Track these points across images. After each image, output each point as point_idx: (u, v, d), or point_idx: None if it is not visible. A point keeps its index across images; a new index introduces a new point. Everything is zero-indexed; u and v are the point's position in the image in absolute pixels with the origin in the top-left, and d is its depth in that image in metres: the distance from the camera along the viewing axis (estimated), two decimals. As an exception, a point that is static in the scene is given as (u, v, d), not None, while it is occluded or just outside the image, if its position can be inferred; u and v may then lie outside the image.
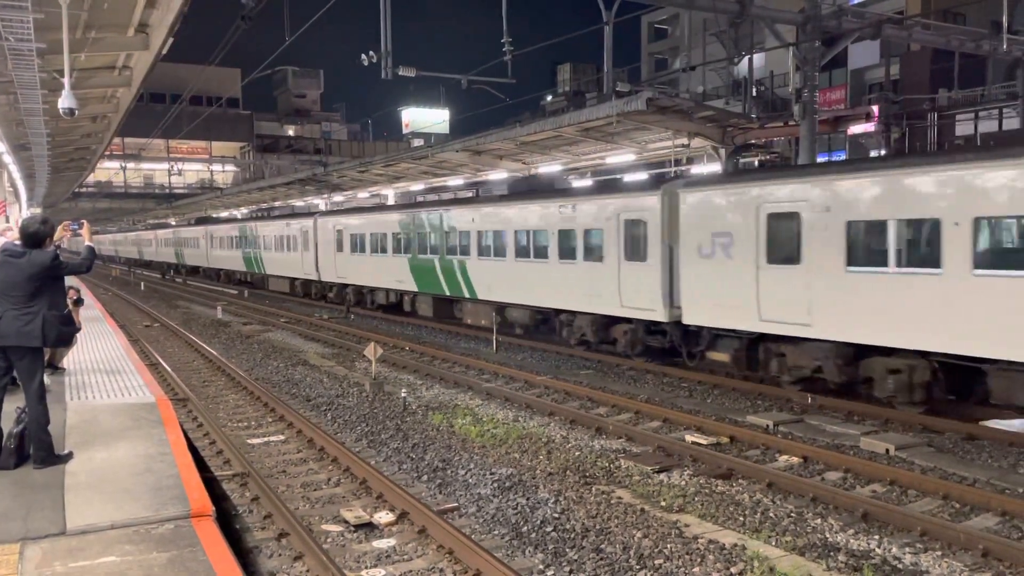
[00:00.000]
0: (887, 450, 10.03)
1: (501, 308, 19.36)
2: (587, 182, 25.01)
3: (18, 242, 6.83)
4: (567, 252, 16.76)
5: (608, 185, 21.46)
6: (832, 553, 7.15)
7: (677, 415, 11.91)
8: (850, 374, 11.88)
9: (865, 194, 11.27)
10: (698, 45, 42.26)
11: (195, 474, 6.42)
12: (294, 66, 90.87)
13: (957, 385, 11.03)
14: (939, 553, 7.12)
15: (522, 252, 18.18)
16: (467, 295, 20.40)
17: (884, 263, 11.00)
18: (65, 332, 6.79)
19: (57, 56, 12.96)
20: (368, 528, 7.76)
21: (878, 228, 11.18)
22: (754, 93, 31.85)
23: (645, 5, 22.60)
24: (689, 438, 10.77)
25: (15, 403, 6.82)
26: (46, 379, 7.30)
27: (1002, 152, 10.05)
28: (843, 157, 31.83)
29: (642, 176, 24.63)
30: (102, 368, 11.21)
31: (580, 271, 16.38)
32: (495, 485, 9.03)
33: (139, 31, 14.97)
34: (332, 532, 7.71)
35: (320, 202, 40.59)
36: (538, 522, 7.90)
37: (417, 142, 67.46)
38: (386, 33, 18.14)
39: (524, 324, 18.97)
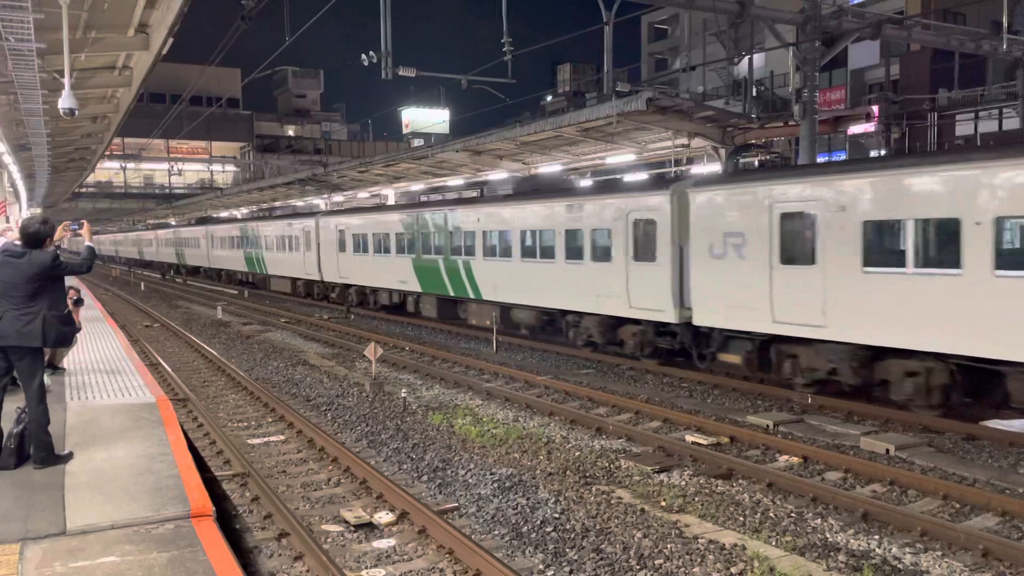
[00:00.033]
0: (887, 450, 10.03)
1: (506, 309, 19.21)
2: (594, 181, 24.88)
3: (18, 242, 6.83)
4: (574, 252, 16.52)
5: (616, 184, 21.29)
6: (832, 553, 7.15)
7: (677, 415, 11.91)
8: (865, 376, 11.68)
9: (882, 193, 11.04)
10: (698, 45, 42.28)
11: (195, 474, 6.42)
12: (294, 66, 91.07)
13: (975, 388, 10.76)
14: (939, 553, 7.12)
15: (528, 252, 18.00)
16: (472, 296, 20.22)
17: (902, 264, 10.77)
18: (65, 332, 6.79)
19: (57, 56, 12.97)
20: (368, 528, 7.77)
21: (896, 228, 10.97)
22: (754, 93, 31.84)
23: (645, 5, 22.62)
24: (689, 438, 10.77)
25: (15, 403, 6.83)
26: (46, 379, 7.31)
27: None
28: (843, 157, 31.85)
29: (645, 176, 24.65)
30: (102, 368, 11.21)
31: (587, 271, 16.16)
32: (495, 485, 9.03)
33: (139, 31, 14.98)
34: (332, 532, 7.72)
35: (320, 202, 40.60)
36: (538, 522, 7.90)
37: (417, 142, 67.45)
38: (386, 33, 18.14)
39: (530, 325, 18.79)
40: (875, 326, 11.10)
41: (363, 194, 38.63)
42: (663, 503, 8.46)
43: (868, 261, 11.17)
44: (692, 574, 6.76)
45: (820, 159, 22.96)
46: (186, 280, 49.16)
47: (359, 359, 17.47)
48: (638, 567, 6.88)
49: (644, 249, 14.81)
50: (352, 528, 7.75)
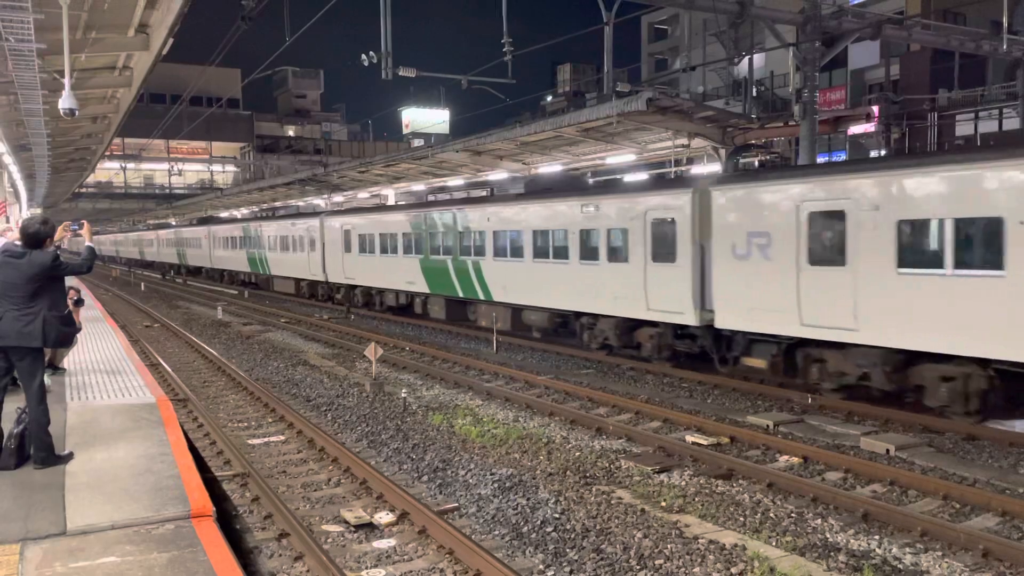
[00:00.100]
0: (887, 450, 10.03)
1: (517, 310, 18.89)
2: (610, 179, 24.65)
3: (18, 242, 6.84)
4: (589, 253, 16.14)
5: (634, 183, 20.96)
6: (832, 553, 7.15)
7: (677, 415, 11.91)
8: (899, 382, 11.29)
9: (919, 191, 10.61)
10: (698, 45, 42.30)
11: (195, 474, 6.42)
12: (294, 66, 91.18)
13: (1016, 394, 10.41)
14: (939, 553, 7.12)
15: (540, 253, 17.60)
16: (482, 297, 19.86)
17: (940, 265, 10.34)
18: (65, 332, 6.80)
19: (57, 56, 12.97)
20: (368, 528, 7.77)
21: (933, 227, 10.56)
22: (754, 93, 31.86)
23: (645, 5, 22.60)
24: (689, 438, 10.77)
25: (15, 403, 6.83)
26: (46, 379, 7.31)
27: None
28: (843, 157, 31.88)
29: (646, 174, 24.66)
30: (102, 368, 11.21)
31: (603, 272, 15.77)
32: (495, 485, 9.03)
33: (139, 31, 14.98)
34: (332, 532, 7.72)
35: (320, 202, 40.59)
36: (538, 522, 7.90)
37: (417, 142, 67.52)
38: (386, 33, 18.14)
39: (542, 327, 18.45)
40: (911, 329, 10.66)
41: (363, 194, 38.63)
42: (663, 503, 8.46)
43: (903, 262, 10.74)
44: (692, 574, 6.76)
45: (820, 159, 22.99)
46: (186, 280, 49.15)
47: (359, 359, 17.47)
48: (638, 567, 6.88)
49: (663, 249, 14.41)
50: (352, 528, 7.75)
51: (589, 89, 56.69)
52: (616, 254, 15.52)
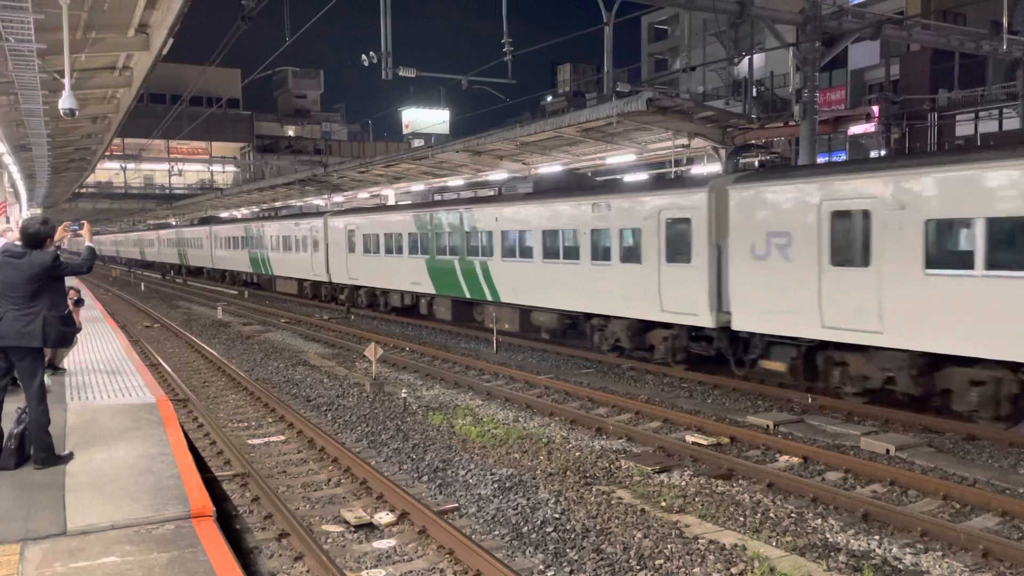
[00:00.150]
0: (887, 450, 10.03)
1: (526, 312, 18.69)
2: (623, 178, 24.49)
3: (18, 243, 6.84)
4: (600, 253, 15.86)
5: (647, 182, 20.71)
6: (832, 553, 7.15)
7: (677, 415, 11.91)
8: (926, 385, 11.00)
9: (948, 190, 10.28)
10: (698, 45, 42.32)
11: (195, 474, 6.42)
12: (294, 66, 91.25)
13: None
14: (939, 553, 7.13)
15: (550, 253, 17.26)
16: (489, 298, 19.61)
17: (970, 265, 9.98)
18: (65, 332, 6.80)
19: (57, 57, 12.97)
20: (368, 528, 7.77)
21: (963, 227, 10.22)
22: (754, 93, 31.87)
23: (645, 5, 22.60)
24: (689, 438, 10.77)
25: (15, 403, 6.84)
26: (46, 379, 7.31)
27: None
28: (843, 157, 31.89)
29: (640, 174, 24.66)
30: (102, 368, 11.21)
31: (615, 273, 15.49)
32: (495, 485, 9.03)
33: (139, 32, 14.98)
34: (332, 532, 7.72)
35: (321, 202, 40.59)
36: (538, 522, 7.90)
37: (417, 142, 67.54)
38: (386, 33, 18.14)
39: (551, 328, 18.23)
40: (939, 332, 10.34)
41: (363, 194, 38.63)
42: (663, 503, 8.46)
43: (931, 263, 10.42)
44: (692, 574, 6.76)
45: (820, 159, 22.99)
46: (186, 280, 49.15)
47: (359, 359, 17.47)
48: (638, 567, 6.88)
49: (678, 249, 14.12)
50: (352, 528, 7.75)
51: (589, 89, 56.72)
52: (629, 254, 15.25)
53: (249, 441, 11.18)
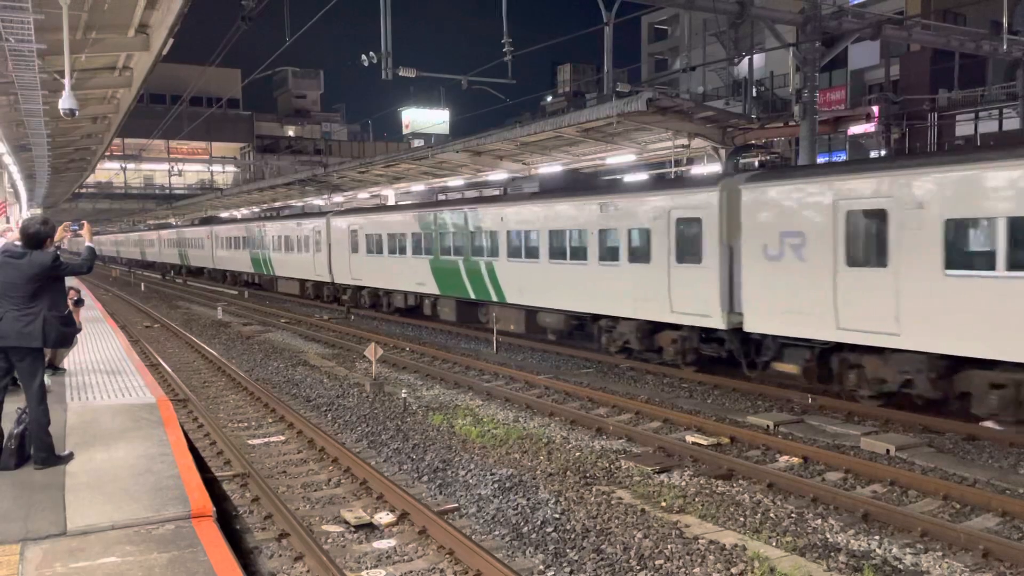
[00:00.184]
0: (887, 450, 10.03)
1: (532, 313, 18.51)
2: (629, 178, 24.42)
3: (18, 243, 6.84)
4: (608, 253, 15.64)
5: (657, 181, 20.56)
6: (833, 553, 7.15)
7: (677, 415, 11.91)
8: (944, 388, 10.79)
9: (969, 189, 10.08)
10: (698, 45, 42.33)
11: (195, 475, 6.42)
12: (294, 66, 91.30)
13: None
14: (939, 553, 7.13)
15: (557, 253, 17.05)
16: (495, 299, 19.42)
17: (992, 266, 9.82)
18: (65, 333, 6.81)
19: (57, 57, 12.98)
20: (368, 529, 7.77)
21: (985, 227, 10.03)
22: (754, 93, 31.88)
23: (645, 5, 22.60)
24: (689, 438, 10.77)
25: (15, 404, 6.84)
26: (47, 380, 7.31)
27: None
28: (843, 158, 31.89)
29: (640, 174, 24.65)
30: (102, 369, 11.22)
31: (623, 274, 15.25)
32: (495, 486, 9.03)
33: (139, 32, 14.99)
34: (332, 533, 7.72)
35: (321, 202, 40.58)
36: (538, 523, 7.90)
37: (417, 142, 67.57)
38: (386, 33, 18.15)
39: (558, 330, 18.08)
40: (959, 334, 10.16)
41: (363, 194, 38.62)
42: (663, 503, 8.46)
43: (951, 263, 10.23)
44: (692, 574, 6.76)
45: (820, 159, 23.00)
46: (186, 281, 49.16)
47: (359, 359, 17.47)
48: (638, 567, 6.88)
49: (688, 250, 13.93)
50: (352, 529, 7.75)
51: (589, 89, 56.76)
52: (638, 255, 15.04)
53: (249, 441, 11.18)
